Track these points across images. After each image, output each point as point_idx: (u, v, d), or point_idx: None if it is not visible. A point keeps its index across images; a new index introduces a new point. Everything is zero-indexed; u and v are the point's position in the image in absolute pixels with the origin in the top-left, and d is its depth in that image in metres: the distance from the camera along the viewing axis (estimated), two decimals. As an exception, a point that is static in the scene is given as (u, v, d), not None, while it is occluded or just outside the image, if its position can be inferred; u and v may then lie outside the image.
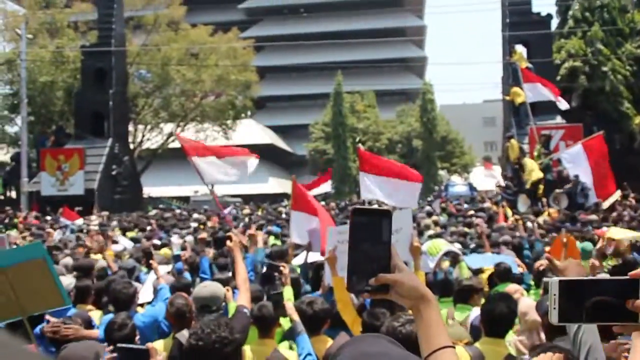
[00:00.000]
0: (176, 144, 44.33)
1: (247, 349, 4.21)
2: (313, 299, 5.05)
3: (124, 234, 15.87)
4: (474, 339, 4.85)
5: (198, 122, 43.30)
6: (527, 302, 5.36)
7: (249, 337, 4.57)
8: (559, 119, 24.65)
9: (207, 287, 4.54)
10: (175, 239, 13.33)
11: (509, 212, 16.93)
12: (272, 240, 13.48)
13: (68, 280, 6.37)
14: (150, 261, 7.17)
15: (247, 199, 40.16)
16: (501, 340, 4.40)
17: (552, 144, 21.10)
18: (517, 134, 23.13)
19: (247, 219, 20.17)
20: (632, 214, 14.85)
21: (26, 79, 31.30)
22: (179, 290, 5.89)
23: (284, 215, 20.38)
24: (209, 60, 40.19)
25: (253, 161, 11.06)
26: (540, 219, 15.13)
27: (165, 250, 11.38)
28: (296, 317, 4.60)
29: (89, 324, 5.33)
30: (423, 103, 50.69)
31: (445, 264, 8.02)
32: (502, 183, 22.69)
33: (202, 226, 17.94)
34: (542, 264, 6.96)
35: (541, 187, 18.96)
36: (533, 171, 19.08)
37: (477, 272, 8.14)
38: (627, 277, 1.54)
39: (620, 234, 9.05)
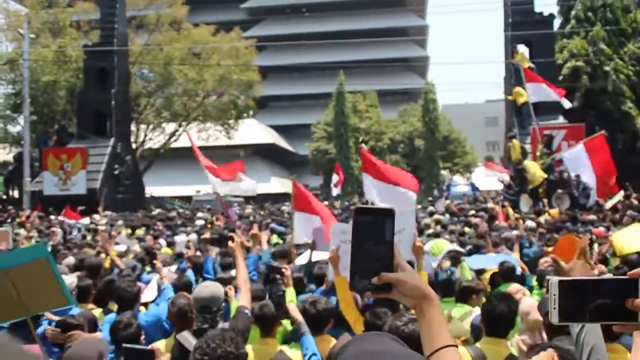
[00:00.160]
0: (178, 144, 44.44)
1: (249, 349, 4.22)
2: (316, 298, 5.06)
3: (132, 233, 15.94)
4: (474, 339, 4.87)
5: (200, 121, 43.31)
6: (529, 302, 5.37)
7: (251, 337, 4.58)
8: (561, 119, 24.64)
9: (207, 288, 4.53)
10: (178, 238, 13.36)
11: (511, 211, 16.93)
12: (275, 238, 13.54)
13: (70, 280, 6.38)
14: (154, 261, 7.19)
15: (249, 198, 40.12)
16: (502, 340, 4.41)
17: (554, 144, 21.08)
18: (519, 133, 23.13)
19: (251, 218, 20.27)
20: (634, 214, 14.83)
21: (29, 78, 31.33)
22: (180, 289, 5.91)
23: (286, 215, 20.44)
24: (211, 60, 40.20)
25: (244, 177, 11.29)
26: (542, 219, 15.13)
27: (166, 249, 11.41)
28: (300, 317, 4.61)
29: (93, 323, 5.34)
30: (425, 103, 50.64)
31: (447, 264, 8.02)
32: (504, 178, 22.71)
33: (209, 225, 18.01)
34: (546, 261, 6.97)
35: (543, 187, 18.97)
36: (536, 174, 19.08)
37: (479, 272, 8.15)
38: (627, 276, 1.55)
39: (629, 241, 8.92)
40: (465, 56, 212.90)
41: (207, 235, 7.61)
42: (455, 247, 8.14)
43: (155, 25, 40.83)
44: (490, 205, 20.52)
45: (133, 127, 37.29)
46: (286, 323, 5.17)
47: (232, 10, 72.23)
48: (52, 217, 21.66)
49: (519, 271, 7.88)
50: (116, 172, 28.69)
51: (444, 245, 7.93)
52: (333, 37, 65.75)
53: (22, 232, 16.10)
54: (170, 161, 47.64)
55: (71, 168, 27.28)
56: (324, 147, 51.15)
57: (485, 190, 34.93)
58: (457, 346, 1.64)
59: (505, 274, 7.57)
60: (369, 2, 72.73)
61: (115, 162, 28.95)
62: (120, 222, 19.56)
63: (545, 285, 6.27)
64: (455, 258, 8.08)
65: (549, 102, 20.40)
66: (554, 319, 1.57)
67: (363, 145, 15.14)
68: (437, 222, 15.35)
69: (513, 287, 6.44)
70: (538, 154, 20.37)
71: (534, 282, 7.66)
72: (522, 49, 26.93)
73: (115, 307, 6.02)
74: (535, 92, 19.29)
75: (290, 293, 6.07)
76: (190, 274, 7.72)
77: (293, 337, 4.76)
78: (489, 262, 8.21)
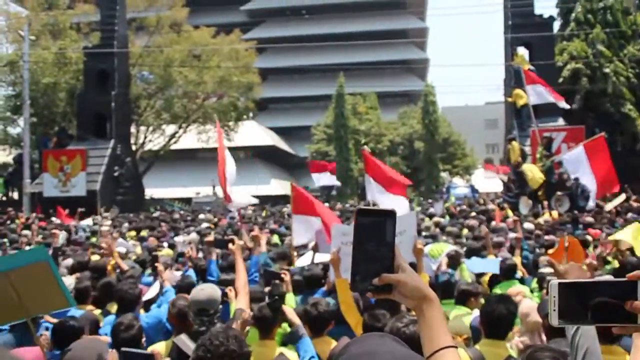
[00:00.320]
0: (178, 146, 44.48)
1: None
2: (317, 300, 5.07)
3: (137, 234, 15.98)
4: (474, 341, 4.87)
5: (200, 123, 43.32)
6: (528, 304, 5.38)
7: (250, 338, 4.59)
8: (561, 121, 24.65)
9: (204, 291, 4.53)
10: (179, 238, 13.38)
11: (510, 213, 16.94)
12: (275, 239, 13.59)
13: (68, 281, 6.39)
14: (156, 264, 7.20)
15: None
16: (501, 341, 4.42)
17: (554, 146, 21.09)
18: (519, 136, 23.14)
19: (253, 219, 20.36)
20: (634, 217, 14.83)
21: (29, 80, 31.33)
22: (183, 290, 5.92)
23: (286, 216, 20.51)
24: (211, 62, 40.22)
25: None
26: (541, 220, 15.15)
27: (167, 251, 11.41)
28: (297, 320, 4.61)
29: (95, 325, 5.35)
30: (425, 105, 50.64)
31: (444, 261, 8.01)
32: (504, 179, 22.71)
33: (212, 225, 18.08)
34: (545, 259, 6.98)
35: (542, 189, 18.98)
36: (534, 177, 19.09)
37: (479, 274, 8.17)
38: (626, 278, 1.55)
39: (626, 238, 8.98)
40: (465, 58, 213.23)
41: (210, 237, 7.62)
42: (456, 248, 8.14)
43: (156, 27, 40.85)
44: (491, 207, 20.55)
45: (133, 129, 37.30)
46: (285, 325, 5.18)
47: (232, 13, 72.27)
48: (53, 218, 21.67)
49: (518, 275, 7.88)
50: (116, 174, 28.70)
51: (443, 247, 7.94)
52: (333, 39, 65.81)
53: (27, 233, 16.12)
54: (170, 163, 47.68)
55: (71, 170, 27.28)
56: (323, 149, 51.14)
57: (485, 193, 34.98)
58: (456, 347, 1.65)
59: (507, 271, 7.58)
60: (369, 5, 72.79)
61: (115, 164, 28.95)
62: (126, 224, 19.64)
63: (545, 287, 6.28)
64: (454, 259, 8.09)
65: (548, 104, 20.41)
66: (554, 320, 1.58)
67: (365, 147, 15.20)
68: (436, 224, 15.37)
69: (513, 289, 6.45)
70: (538, 156, 20.38)
71: (534, 284, 7.67)
72: (522, 52, 26.97)
73: (114, 308, 6.04)
74: (536, 94, 19.30)
75: (290, 298, 6.09)
76: (190, 272, 7.71)
77: (290, 340, 4.77)
78: (489, 266, 8.22)
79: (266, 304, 4.70)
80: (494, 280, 7.87)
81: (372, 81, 62.11)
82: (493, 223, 15.37)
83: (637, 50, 29.82)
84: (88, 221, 19.94)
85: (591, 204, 16.53)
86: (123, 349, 4.10)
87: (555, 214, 16.50)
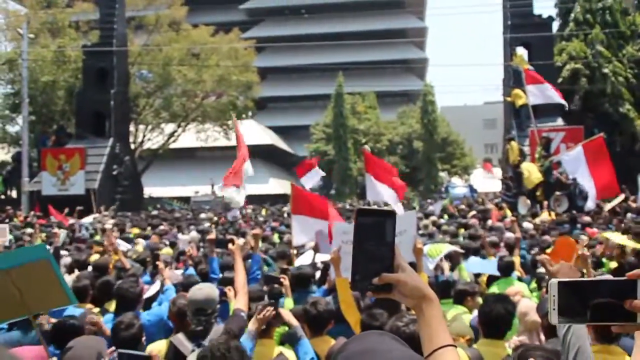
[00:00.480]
0: (177, 145, 44.48)
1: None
2: (317, 299, 5.08)
3: (143, 232, 16.01)
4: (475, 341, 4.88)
5: (199, 122, 43.36)
6: (527, 303, 5.39)
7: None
8: (560, 121, 24.64)
9: (201, 290, 4.55)
10: (182, 237, 13.40)
11: (509, 213, 16.95)
12: (276, 237, 13.64)
13: (67, 280, 6.39)
14: (157, 262, 7.21)
15: (247, 199, 40.14)
16: (500, 341, 4.43)
17: (553, 146, 21.07)
18: (517, 136, 23.13)
19: (255, 217, 20.49)
20: (633, 217, 14.84)
21: (27, 78, 31.30)
22: (187, 289, 5.95)
23: (286, 215, 20.57)
24: (210, 61, 40.22)
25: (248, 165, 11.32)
26: (538, 220, 15.17)
27: (167, 249, 11.43)
28: (295, 322, 4.62)
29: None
30: (424, 104, 50.70)
31: (446, 266, 8.03)
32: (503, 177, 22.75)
33: (213, 225, 18.14)
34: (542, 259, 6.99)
35: (540, 189, 18.99)
36: (530, 177, 19.10)
37: (477, 274, 8.19)
38: (625, 277, 1.56)
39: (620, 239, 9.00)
40: (464, 58, 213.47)
41: (212, 235, 7.64)
42: (455, 248, 8.15)
43: (155, 25, 40.85)
44: (489, 206, 20.57)
45: (132, 128, 37.28)
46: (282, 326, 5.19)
47: (231, 11, 72.28)
48: (53, 217, 21.65)
49: (515, 274, 7.89)
50: (115, 173, 28.68)
51: (442, 247, 7.95)
52: (332, 38, 65.84)
53: (30, 231, 16.14)
54: (168, 162, 47.63)
55: (70, 168, 27.25)
56: (322, 148, 51.15)
57: (484, 192, 35.00)
58: (455, 346, 1.66)
59: (504, 269, 7.60)
60: (368, 4, 72.80)
61: (114, 163, 28.93)
62: (128, 223, 19.69)
63: (544, 287, 6.29)
64: (453, 258, 8.10)
65: (547, 104, 20.40)
66: (554, 319, 1.59)
67: (366, 147, 15.20)
68: (434, 223, 15.41)
69: (512, 289, 6.46)
70: (536, 156, 20.38)
71: (533, 284, 7.69)
72: (521, 52, 26.95)
73: (112, 307, 6.05)
74: (536, 94, 19.24)
75: (288, 303, 6.10)
76: (191, 270, 7.72)
77: (289, 340, 4.77)
78: (488, 266, 8.23)
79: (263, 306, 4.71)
80: (492, 278, 7.90)
81: (371, 81, 62.15)
82: (490, 222, 15.41)
83: (635, 50, 29.83)
84: (88, 219, 19.95)
85: (590, 204, 16.52)
86: (120, 350, 4.11)
87: (553, 214, 16.51)
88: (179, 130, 42.70)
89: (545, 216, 16.14)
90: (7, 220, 21.41)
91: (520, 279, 7.93)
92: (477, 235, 11.59)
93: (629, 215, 15.04)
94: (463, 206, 22.43)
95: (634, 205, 17.14)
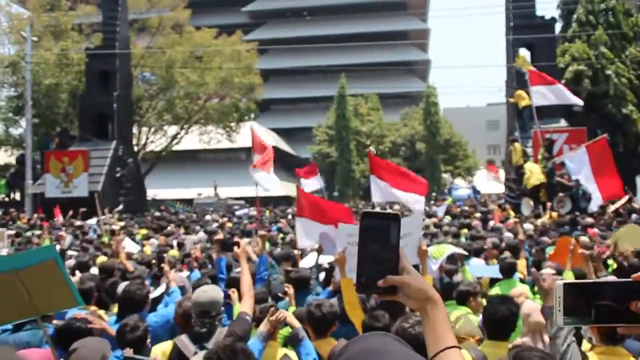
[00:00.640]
0: (180, 147, 44.52)
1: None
2: (321, 301, 5.09)
3: (151, 233, 16.07)
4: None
5: (202, 124, 43.41)
6: (530, 304, 5.39)
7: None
8: (563, 123, 24.63)
9: (206, 292, 4.56)
10: (189, 237, 13.45)
11: (512, 214, 16.95)
12: (280, 238, 13.69)
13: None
14: (162, 264, 7.23)
15: (249, 201, 40.21)
16: (504, 342, 4.43)
17: (556, 147, 21.03)
18: (520, 137, 23.12)
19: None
20: (638, 217, 14.83)
21: (31, 81, 31.36)
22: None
23: (290, 217, 20.62)
24: (213, 63, 40.26)
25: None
26: (539, 221, 15.17)
27: (173, 251, 11.45)
28: (297, 323, 4.63)
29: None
30: (426, 106, 50.73)
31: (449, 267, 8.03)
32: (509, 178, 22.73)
33: (221, 225, 18.21)
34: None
35: (543, 190, 18.96)
36: (531, 176, 19.07)
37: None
38: (631, 279, 1.56)
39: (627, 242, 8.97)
40: (467, 60, 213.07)
41: (220, 236, 7.68)
42: (457, 250, 8.15)
43: (157, 28, 40.90)
44: (491, 207, 20.58)
45: (135, 130, 37.34)
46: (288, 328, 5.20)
47: (233, 14, 72.39)
48: (56, 219, 21.69)
49: (516, 276, 7.88)
50: (118, 175, 28.70)
51: (445, 248, 7.95)
52: (334, 40, 65.86)
53: (38, 232, 16.22)
54: (171, 164, 47.70)
55: (73, 171, 27.27)
56: (325, 150, 51.22)
57: (487, 194, 35.01)
58: (460, 348, 1.67)
59: (506, 270, 7.60)
60: (371, 6, 72.84)
61: (117, 165, 28.95)
62: (136, 225, 19.79)
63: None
64: (456, 260, 8.10)
65: (550, 106, 20.34)
66: (559, 321, 1.59)
67: (371, 148, 15.21)
68: (435, 224, 15.46)
69: (515, 291, 6.46)
70: (539, 157, 20.35)
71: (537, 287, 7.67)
72: (524, 53, 26.94)
73: (114, 309, 6.06)
74: (541, 95, 19.15)
75: (292, 310, 6.11)
76: (196, 274, 7.74)
77: (290, 342, 4.79)
78: (490, 270, 8.23)
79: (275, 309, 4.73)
80: (494, 279, 7.90)
81: (373, 82, 62.16)
82: (491, 223, 15.43)
83: (638, 51, 29.80)
84: (92, 221, 20.01)
85: (593, 206, 16.48)
86: (125, 355, 4.12)
87: (554, 215, 16.49)
88: (182, 132, 42.75)
89: (545, 218, 16.14)
90: (10, 223, 21.47)
91: (522, 281, 7.93)
92: (478, 236, 11.63)
93: (633, 216, 15.03)
94: (466, 207, 22.46)
95: (636, 206, 17.12)
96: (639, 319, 1.54)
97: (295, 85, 70.00)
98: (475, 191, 35.51)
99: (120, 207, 23.92)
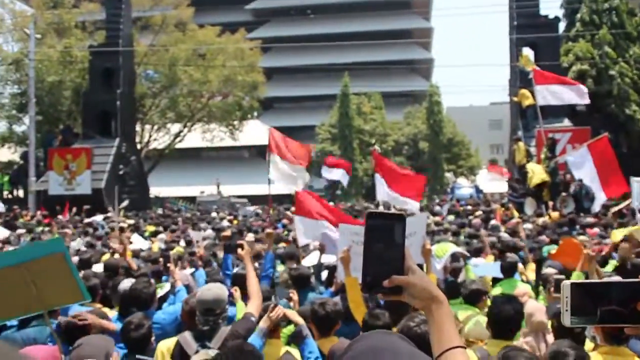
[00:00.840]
0: (183, 145, 44.57)
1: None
2: (325, 300, 5.10)
3: (160, 231, 16.11)
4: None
5: (205, 122, 43.44)
6: (533, 304, 5.39)
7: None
8: (566, 122, 24.59)
9: (210, 290, 4.57)
10: (196, 234, 13.46)
11: (516, 214, 16.93)
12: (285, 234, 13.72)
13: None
14: (168, 264, 7.24)
15: (252, 199, 40.25)
16: (508, 342, 4.43)
17: (559, 146, 20.99)
18: (524, 136, 23.08)
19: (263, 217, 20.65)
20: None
21: (34, 78, 31.41)
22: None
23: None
24: (216, 61, 40.28)
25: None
26: (540, 220, 15.16)
27: (178, 248, 11.48)
28: (301, 320, 4.63)
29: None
30: (430, 105, 50.68)
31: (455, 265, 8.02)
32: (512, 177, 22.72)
33: (229, 222, 18.27)
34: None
35: (546, 190, 18.93)
36: (534, 176, 19.03)
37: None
38: (638, 280, 1.57)
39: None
40: (470, 59, 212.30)
41: (227, 232, 7.70)
42: (460, 249, 8.16)
43: (161, 26, 40.95)
44: (494, 206, 20.56)
45: (138, 128, 37.37)
46: (291, 327, 5.20)
47: (237, 12, 72.34)
48: (60, 217, 21.72)
49: (517, 276, 7.88)
50: (121, 173, 28.70)
51: (448, 247, 7.96)
52: (338, 38, 65.78)
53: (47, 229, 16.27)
54: (174, 162, 47.72)
55: (76, 168, 27.30)
56: (328, 148, 51.12)
57: (490, 193, 34.97)
58: (465, 347, 1.67)
59: (507, 269, 7.59)
60: (374, 4, 72.74)
61: (120, 163, 28.97)
62: (141, 220, 19.85)
63: (548, 287, 6.27)
64: (458, 259, 8.10)
65: (554, 105, 20.29)
66: (566, 321, 1.60)
67: (376, 147, 15.26)
68: (437, 223, 15.48)
69: (519, 290, 6.46)
70: (542, 157, 20.32)
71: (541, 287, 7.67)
72: (527, 52, 26.89)
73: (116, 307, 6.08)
74: (546, 95, 19.08)
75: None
76: (201, 273, 7.76)
77: (294, 340, 4.79)
78: (492, 269, 8.22)
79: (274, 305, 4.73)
80: (495, 278, 7.89)
81: (376, 81, 62.09)
82: (492, 222, 15.43)
83: (642, 51, 29.76)
84: (99, 217, 20.06)
85: (596, 206, 16.45)
86: (138, 356, 4.15)
87: (554, 215, 16.45)
88: (185, 130, 42.80)
89: (545, 217, 16.12)
90: (14, 220, 21.50)
91: (523, 280, 7.92)
92: (476, 235, 11.66)
93: (638, 216, 14.97)
94: (469, 207, 22.45)
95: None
96: (646, 320, 1.54)
97: (299, 83, 69.94)
98: (478, 190, 35.47)
99: (126, 202, 23.87)
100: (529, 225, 13.56)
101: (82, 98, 31.98)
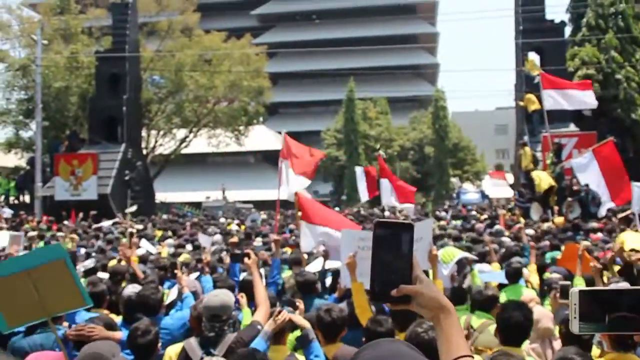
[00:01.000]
0: (188, 150, 44.63)
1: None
2: (331, 306, 5.09)
3: (169, 235, 16.13)
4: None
5: (210, 127, 43.50)
6: (540, 311, 5.38)
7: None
8: (572, 127, 24.55)
9: (217, 297, 4.57)
10: (203, 240, 13.46)
11: (522, 220, 16.88)
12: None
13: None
14: (175, 270, 7.24)
15: (258, 204, 40.27)
16: (517, 348, 4.41)
17: (565, 151, 20.93)
18: (529, 141, 23.04)
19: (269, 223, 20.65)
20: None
21: (41, 84, 31.47)
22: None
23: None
24: (222, 67, 40.34)
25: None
26: (545, 226, 15.11)
27: (185, 255, 11.47)
28: (307, 324, 4.63)
29: (111, 327, 5.38)
30: (435, 110, 50.64)
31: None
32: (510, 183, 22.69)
33: (238, 228, 18.29)
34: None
35: (553, 195, 18.87)
36: (541, 182, 18.98)
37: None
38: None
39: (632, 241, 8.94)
40: (476, 63, 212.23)
41: (234, 239, 7.71)
42: (466, 254, 8.12)
43: (167, 31, 41.07)
44: (499, 212, 20.53)
45: (144, 133, 37.45)
46: (297, 332, 5.20)
47: (243, 17, 72.53)
48: (66, 222, 21.77)
49: (522, 281, 7.85)
50: (127, 178, 28.76)
51: (454, 252, 7.93)
52: (343, 44, 65.82)
53: (60, 234, 16.31)
54: (180, 167, 47.78)
55: (82, 173, 27.35)
56: (334, 154, 51.13)
57: (495, 198, 34.93)
58: (472, 356, 1.67)
59: (512, 275, 7.55)
60: (379, 9, 72.83)
61: (126, 168, 29.03)
62: (149, 224, 19.90)
63: (552, 292, 6.25)
64: (465, 265, 8.07)
65: (560, 110, 20.23)
66: (575, 328, 1.60)
67: (381, 152, 15.31)
68: (441, 227, 15.49)
69: (526, 296, 6.43)
70: (548, 162, 20.27)
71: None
72: (533, 57, 26.87)
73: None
74: (552, 100, 19.00)
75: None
76: (208, 279, 7.78)
77: (300, 343, 4.79)
78: (497, 276, 8.19)
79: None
80: (501, 284, 7.85)
81: (382, 86, 62.14)
82: (496, 227, 15.40)
83: (648, 56, 29.67)
84: (107, 223, 20.10)
85: (603, 211, 16.38)
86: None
87: (558, 220, 16.40)
88: (191, 135, 42.87)
89: (550, 223, 16.07)
90: (20, 225, 21.55)
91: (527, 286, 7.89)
92: (479, 239, 11.60)
93: (638, 221, 14.90)
94: (474, 212, 22.43)
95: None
96: (655, 327, 1.55)
97: (304, 88, 70.03)
98: (484, 195, 35.43)
99: (134, 207, 23.91)
100: (531, 231, 13.51)
101: (88, 104, 32.09)
